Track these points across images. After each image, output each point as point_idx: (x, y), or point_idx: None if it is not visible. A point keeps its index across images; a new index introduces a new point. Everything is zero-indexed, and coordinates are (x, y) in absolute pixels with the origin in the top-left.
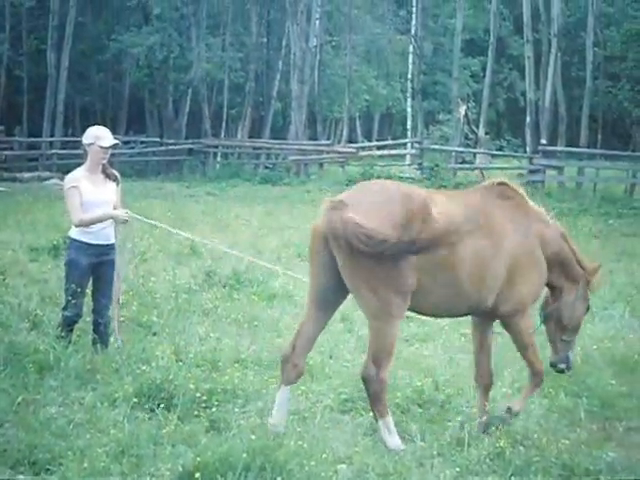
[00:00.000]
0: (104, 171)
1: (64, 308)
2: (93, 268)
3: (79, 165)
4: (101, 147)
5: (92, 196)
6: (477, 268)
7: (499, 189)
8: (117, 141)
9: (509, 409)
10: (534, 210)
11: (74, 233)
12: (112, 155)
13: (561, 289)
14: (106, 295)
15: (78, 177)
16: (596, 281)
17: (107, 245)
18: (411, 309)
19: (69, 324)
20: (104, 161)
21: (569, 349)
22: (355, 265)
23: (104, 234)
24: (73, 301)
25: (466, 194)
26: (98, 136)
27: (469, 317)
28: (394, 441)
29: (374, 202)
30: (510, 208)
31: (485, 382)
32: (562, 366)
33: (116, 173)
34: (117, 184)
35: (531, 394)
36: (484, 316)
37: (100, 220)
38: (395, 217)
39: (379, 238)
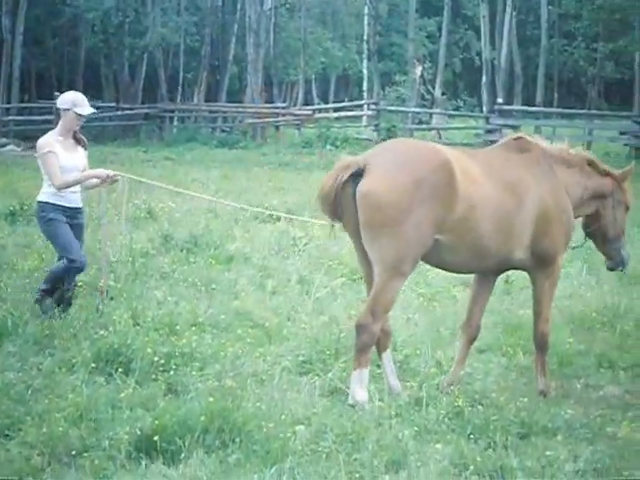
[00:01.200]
0: (74, 136)
1: (70, 260)
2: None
3: (36, 131)
4: (78, 114)
5: (65, 161)
6: (501, 225)
7: (517, 143)
8: (94, 110)
9: (541, 391)
10: (555, 157)
11: (47, 197)
12: None
13: (598, 210)
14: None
15: (52, 141)
16: (628, 183)
17: (77, 208)
18: (438, 266)
19: (78, 272)
20: (77, 128)
21: (622, 251)
22: (372, 220)
23: (74, 198)
24: (74, 252)
25: (486, 152)
26: (76, 103)
27: (428, 276)
28: (362, 394)
29: (397, 160)
30: (530, 161)
31: (471, 333)
32: (620, 268)
33: (84, 138)
34: (85, 149)
35: (542, 362)
36: (510, 269)
37: (82, 181)
38: (416, 175)
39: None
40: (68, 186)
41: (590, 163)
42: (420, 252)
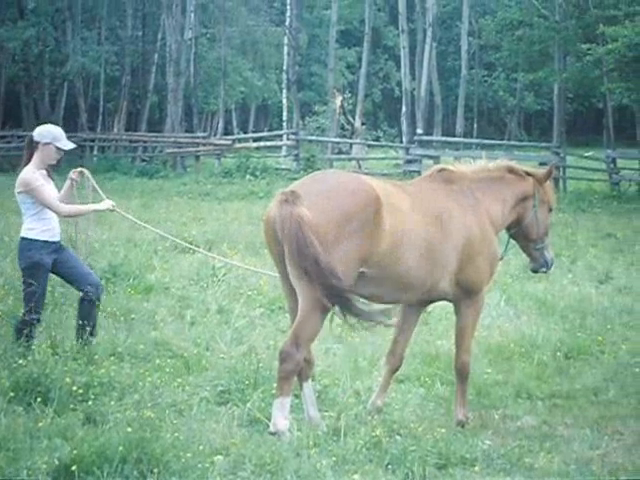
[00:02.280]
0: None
1: (29, 311)
2: (54, 264)
3: None
4: (58, 148)
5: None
6: (427, 257)
7: (442, 175)
8: (74, 145)
9: (460, 422)
10: (477, 182)
11: (35, 234)
12: None
13: (520, 213)
14: (86, 269)
15: (37, 175)
16: (549, 182)
17: (59, 240)
18: (363, 297)
19: (32, 327)
20: (54, 162)
21: (545, 252)
22: (299, 255)
23: (58, 230)
24: (39, 303)
25: (413, 184)
26: (56, 137)
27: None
28: (283, 423)
29: (326, 192)
30: (455, 192)
31: (394, 363)
32: (543, 270)
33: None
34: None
35: (463, 391)
36: (435, 301)
37: (84, 213)
38: (347, 208)
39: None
40: (70, 215)
41: (510, 170)
42: (345, 282)
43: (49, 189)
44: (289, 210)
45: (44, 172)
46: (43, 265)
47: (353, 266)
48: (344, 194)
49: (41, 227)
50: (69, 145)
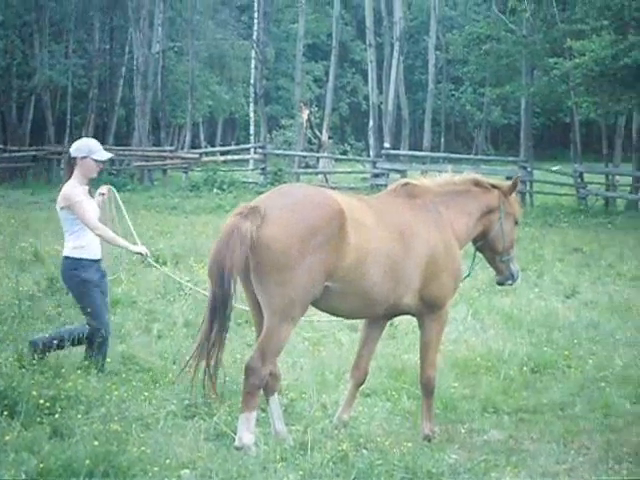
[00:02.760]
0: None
1: (96, 329)
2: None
3: None
4: (96, 161)
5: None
6: (391, 272)
7: (406, 189)
8: (112, 154)
9: (426, 436)
10: (441, 196)
11: (79, 252)
12: None
13: (486, 225)
14: (106, 305)
15: (78, 191)
16: (514, 195)
17: (101, 258)
18: (327, 312)
19: (101, 340)
20: (95, 175)
21: (511, 265)
22: (265, 267)
23: (100, 248)
24: (100, 323)
25: (377, 198)
26: (92, 149)
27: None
28: (248, 437)
29: (291, 205)
30: (419, 207)
31: (359, 377)
32: (509, 283)
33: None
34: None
35: (429, 406)
36: (398, 315)
37: (115, 245)
38: (312, 221)
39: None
40: (102, 238)
41: (476, 183)
42: (310, 298)
43: (89, 205)
44: (247, 225)
45: (86, 188)
46: (91, 281)
47: (318, 280)
48: (309, 208)
49: (84, 245)
50: (106, 155)
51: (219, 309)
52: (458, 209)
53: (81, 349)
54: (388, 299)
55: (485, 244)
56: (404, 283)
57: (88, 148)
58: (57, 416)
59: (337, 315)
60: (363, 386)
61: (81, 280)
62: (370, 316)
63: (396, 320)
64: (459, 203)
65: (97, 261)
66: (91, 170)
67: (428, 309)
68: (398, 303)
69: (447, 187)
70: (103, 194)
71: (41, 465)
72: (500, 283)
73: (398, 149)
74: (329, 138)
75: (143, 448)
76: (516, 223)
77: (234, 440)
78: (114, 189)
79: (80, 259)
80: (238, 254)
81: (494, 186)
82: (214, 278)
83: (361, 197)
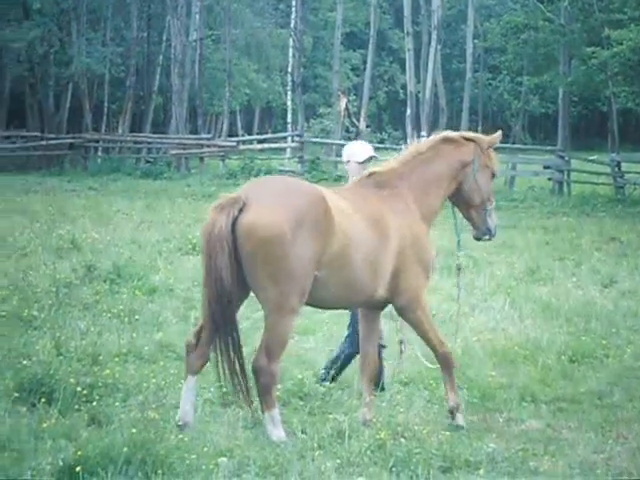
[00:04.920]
0: None
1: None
2: None
3: None
4: (357, 163)
5: None
6: (370, 261)
7: (372, 179)
8: (373, 154)
9: (452, 409)
10: (408, 176)
11: None
12: None
13: (459, 180)
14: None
15: None
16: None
17: None
18: (309, 303)
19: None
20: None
21: (488, 219)
22: (255, 255)
23: None
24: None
25: (347, 189)
26: (351, 153)
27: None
28: (278, 433)
29: (276, 194)
30: (387, 196)
31: (370, 372)
32: (486, 237)
33: None
34: None
35: (452, 379)
36: (376, 307)
37: None
38: (297, 209)
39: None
40: None
41: (445, 140)
42: (305, 286)
43: None
44: (217, 222)
45: None
46: None
47: (310, 267)
48: (293, 194)
49: None
50: (364, 156)
51: (219, 321)
52: (428, 182)
53: (113, 337)
54: (365, 290)
55: (459, 198)
56: (379, 274)
57: (347, 153)
58: (95, 404)
59: (317, 306)
60: (401, 375)
61: None
62: (348, 307)
63: (434, 309)
64: (428, 174)
65: None
66: (354, 173)
67: (403, 301)
68: (374, 294)
69: (413, 162)
70: None
71: (79, 452)
72: (477, 238)
73: None
74: (366, 127)
75: (181, 436)
76: (493, 176)
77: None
78: None
79: None
80: (223, 260)
81: (469, 139)
82: (213, 294)
83: (333, 188)
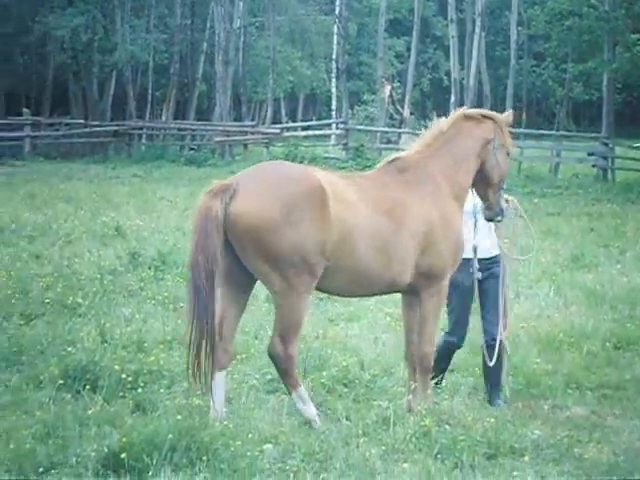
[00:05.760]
0: None
1: (449, 332)
2: (478, 285)
3: (4, 147)
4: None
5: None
6: (381, 249)
7: (395, 165)
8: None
9: (410, 410)
10: (435, 161)
11: None
12: (36, 137)
13: (482, 157)
14: (490, 312)
15: None
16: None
17: (489, 259)
18: (322, 291)
19: (452, 350)
20: None
21: (500, 200)
22: (246, 246)
23: (485, 248)
24: (458, 325)
25: (363, 176)
26: None
27: (395, 296)
28: (310, 410)
29: (266, 181)
30: (410, 181)
31: (415, 361)
32: (499, 218)
33: None
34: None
35: (424, 382)
36: (410, 293)
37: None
38: (285, 197)
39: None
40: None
41: (466, 117)
42: (312, 271)
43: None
44: (211, 206)
45: None
46: (458, 285)
47: (313, 254)
48: (284, 183)
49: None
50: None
51: (203, 300)
52: (455, 160)
53: (158, 324)
54: (382, 277)
55: (480, 177)
56: (399, 260)
57: None
58: (139, 390)
59: (334, 294)
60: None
61: (451, 281)
62: (367, 295)
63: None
64: (454, 153)
65: (480, 260)
66: None
67: (427, 283)
68: (397, 280)
69: (437, 142)
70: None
71: (123, 439)
72: (489, 219)
73: None
74: (411, 114)
75: (225, 423)
76: (508, 155)
77: (316, 415)
78: (516, 201)
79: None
80: (214, 243)
81: (486, 116)
82: (199, 272)
83: (347, 174)
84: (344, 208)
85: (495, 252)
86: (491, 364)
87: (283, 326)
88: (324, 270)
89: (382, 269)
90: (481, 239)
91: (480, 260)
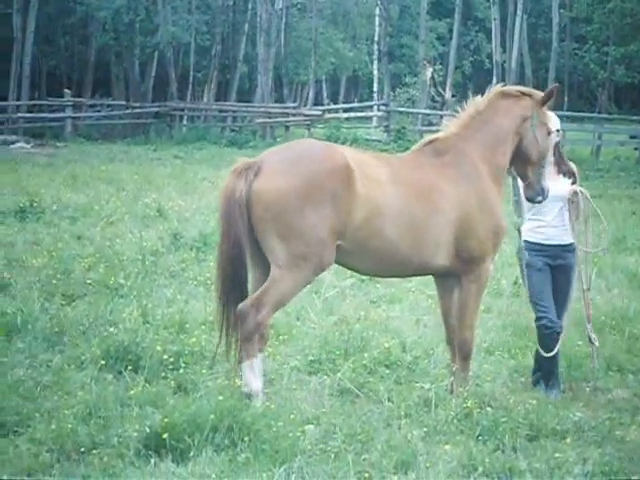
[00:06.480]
0: (557, 164)
1: (537, 318)
2: (551, 271)
3: (45, 128)
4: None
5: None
6: (412, 231)
7: (432, 147)
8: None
9: (452, 393)
10: (473, 142)
11: (525, 235)
12: (78, 118)
13: (520, 134)
14: (558, 302)
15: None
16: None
17: (561, 246)
18: (355, 271)
19: (551, 335)
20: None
21: (542, 179)
22: (265, 223)
23: (554, 234)
24: (541, 308)
25: (399, 157)
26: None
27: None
28: (256, 384)
29: (290, 160)
30: (447, 164)
31: (455, 347)
32: (539, 199)
33: (573, 168)
34: (573, 182)
35: (464, 368)
36: (446, 277)
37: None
38: (308, 176)
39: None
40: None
41: (504, 95)
42: (322, 254)
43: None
44: (236, 187)
45: (552, 167)
46: (533, 265)
47: (326, 236)
48: (308, 161)
49: (533, 227)
50: (557, 124)
51: (229, 287)
52: (493, 140)
53: (200, 305)
54: (411, 259)
55: (517, 154)
56: (432, 243)
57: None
58: (181, 371)
59: (364, 273)
60: (486, 344)
61: (526, 263)
62: (399, 276)
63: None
64: (492, 132)
65: (548, 247)
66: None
67: (467, 268)
68: (429, 263)
69: (475, 122)
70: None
71: (165, 420)
72: (530, 199)
73: None
74: (452, 96)
75: (267, 403)
76: (549, 134)
77: (358, 396)
78: (586, 192)
79: (525, 240)
80: (238, 229)
81: (524, 93)
82: (228, 258)
83: (379, 155)
84: (373, 187)
85: (568, 240)
86: (548, 355)
87: (269, 296)
88: (344, 251)
89: (411, 251)
90: (552, 224)
91: (551, 246)
